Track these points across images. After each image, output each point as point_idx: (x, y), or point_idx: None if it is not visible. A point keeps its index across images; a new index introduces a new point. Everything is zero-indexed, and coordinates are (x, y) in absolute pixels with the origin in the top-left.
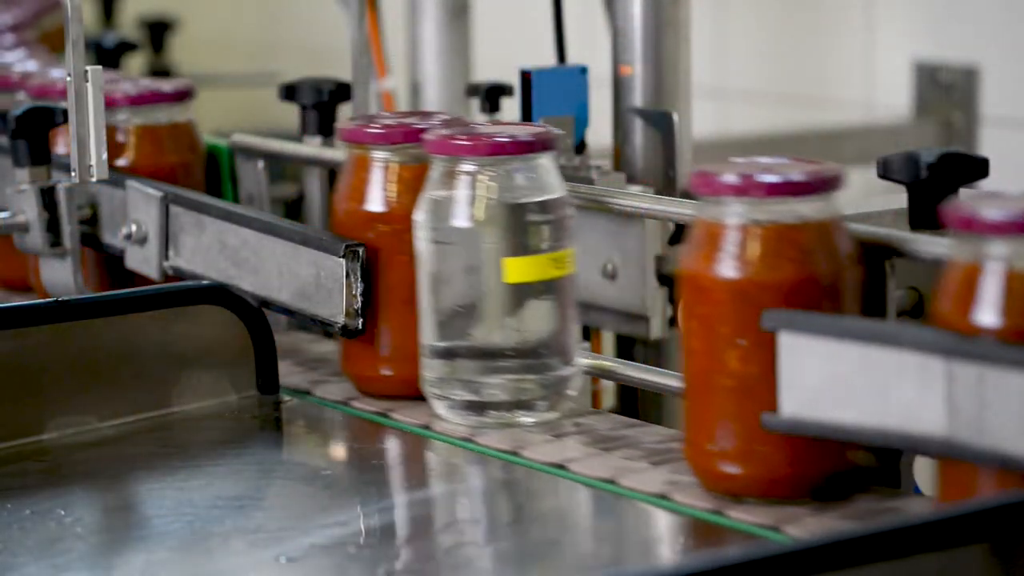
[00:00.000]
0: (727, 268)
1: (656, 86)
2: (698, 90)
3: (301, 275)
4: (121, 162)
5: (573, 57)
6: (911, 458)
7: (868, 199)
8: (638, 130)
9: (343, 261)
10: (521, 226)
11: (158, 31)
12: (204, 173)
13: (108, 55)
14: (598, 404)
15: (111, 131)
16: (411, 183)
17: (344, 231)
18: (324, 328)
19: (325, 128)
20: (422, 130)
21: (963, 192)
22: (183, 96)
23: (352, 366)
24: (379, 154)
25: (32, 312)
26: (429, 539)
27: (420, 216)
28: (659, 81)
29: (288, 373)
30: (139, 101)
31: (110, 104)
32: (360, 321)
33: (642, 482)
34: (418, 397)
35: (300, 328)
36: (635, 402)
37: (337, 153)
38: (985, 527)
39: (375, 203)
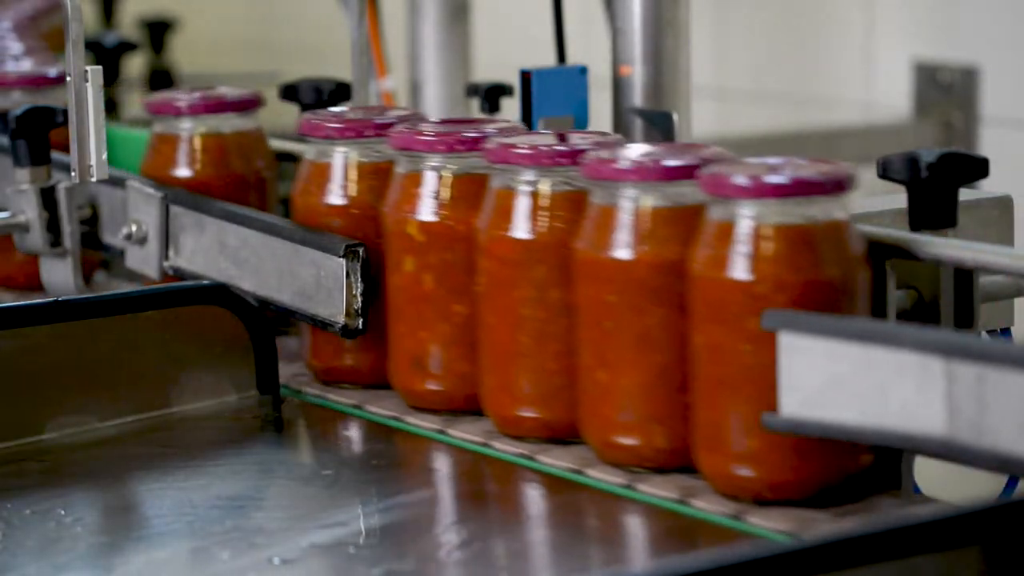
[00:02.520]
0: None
1: (656, 86)
2: (698, 90)
3: (301, 275)
4: (184, 172)
5: (573, 57)
6: (911, 458)
7: (868, 199)
8: (638, 130)
9: (343, 261)
10: None
11: (158, 31)
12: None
13: (108, 55)
14: None
15: (173, 140)
16: None
17: None
18: (324, 328)
19: None
20: None
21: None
22: (248, 105)
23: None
24: None
25: (32, 312)
26: (429, 540)
27: None
28: (659, 81)
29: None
30: (202, 110)
31: (173, 113)
32: (360, 321)
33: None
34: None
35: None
36: None
37: None
38: (984, 527)
39: None
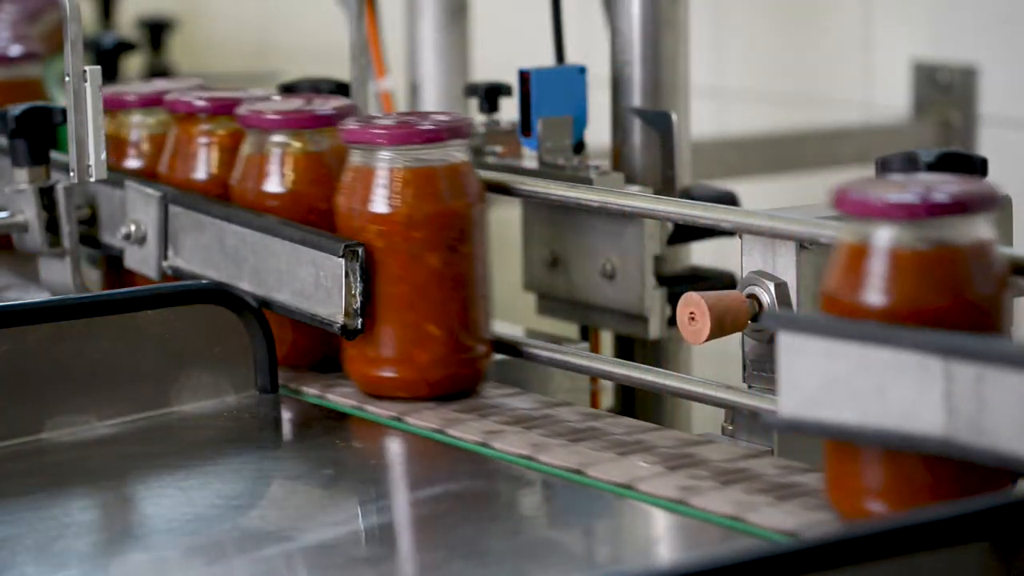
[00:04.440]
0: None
1: (655, 86)
2: (696, 90)
3: (301, 275)
4: (381, 208)
5: (572, 57)
6: None
7: None
8: (637, 130)
9: (342, 261)
10: None
11: (157, 31)
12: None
13: (107, 55)
14: (597, 404)
15: (369, 173)
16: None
17: None
18: (323, 328)
19: None
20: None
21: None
22: (450, 134)
23: None
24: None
25: (32, 312)
26: (428, 539)
27: None
28: (658, 81)
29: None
30: (400, 140)
31: (368, 141)
32: (360, 321)
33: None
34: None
35: None
36: (633, 402)
37: None
38: (985, 527)
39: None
